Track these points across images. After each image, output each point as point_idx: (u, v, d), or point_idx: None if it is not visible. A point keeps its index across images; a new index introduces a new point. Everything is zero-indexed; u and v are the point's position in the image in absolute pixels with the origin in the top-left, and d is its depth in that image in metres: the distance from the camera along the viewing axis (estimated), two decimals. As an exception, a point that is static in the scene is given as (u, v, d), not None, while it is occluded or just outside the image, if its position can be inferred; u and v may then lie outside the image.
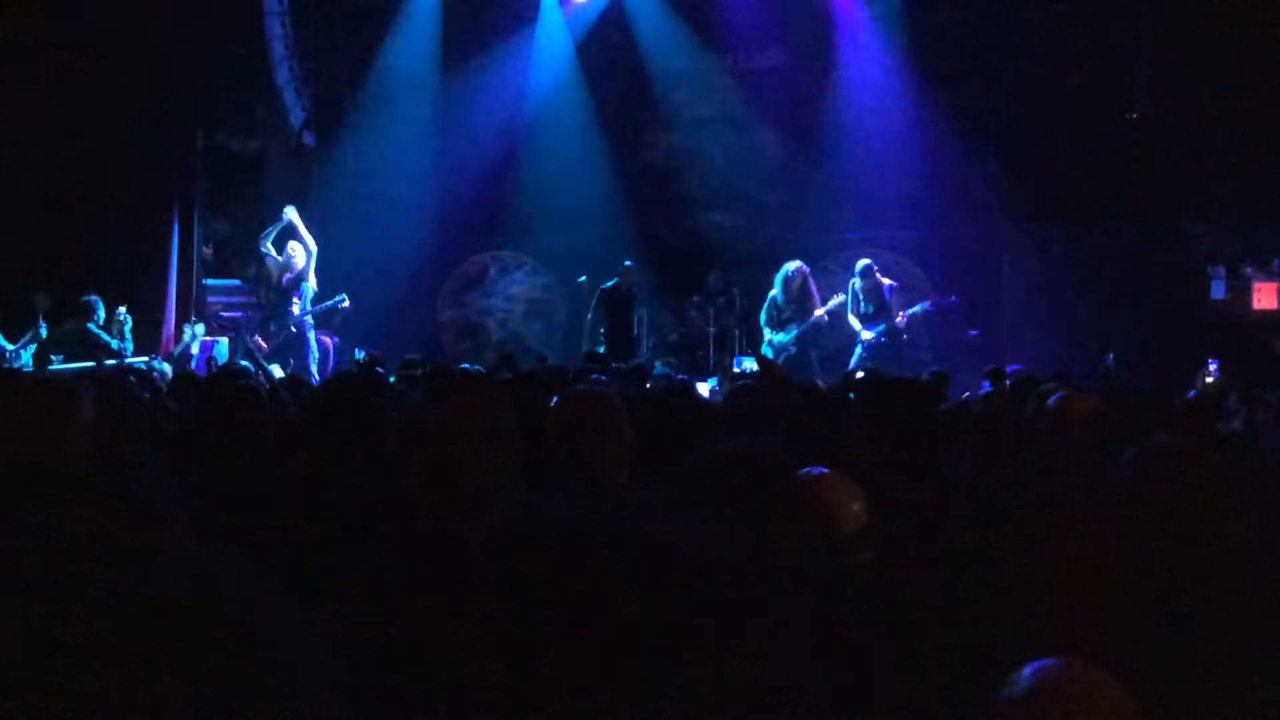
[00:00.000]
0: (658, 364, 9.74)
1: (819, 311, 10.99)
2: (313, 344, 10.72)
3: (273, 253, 10.74)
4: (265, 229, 10.85)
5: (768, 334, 11.15)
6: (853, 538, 2.49)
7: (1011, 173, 12.48)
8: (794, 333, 11.01)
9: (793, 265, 11.17)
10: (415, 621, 2.05)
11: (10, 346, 9.85)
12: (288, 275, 10.73)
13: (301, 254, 10.73)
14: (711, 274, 12.79)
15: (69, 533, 2.61)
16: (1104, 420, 3.09)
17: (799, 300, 11.04)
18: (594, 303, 11.65)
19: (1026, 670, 1.52)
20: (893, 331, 10.89)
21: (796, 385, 5.60)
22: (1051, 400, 3.58)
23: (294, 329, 10.68)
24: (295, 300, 10.71)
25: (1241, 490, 2.41)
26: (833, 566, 2.45)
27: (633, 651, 0.99)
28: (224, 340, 11.00)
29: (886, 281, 11.14)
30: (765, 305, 11.32)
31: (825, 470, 2.63)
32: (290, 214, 10.76)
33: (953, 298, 11.53)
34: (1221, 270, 11.86)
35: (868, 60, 12.97)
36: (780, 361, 10.31)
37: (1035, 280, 12.24)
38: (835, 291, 11.41)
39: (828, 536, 2.47)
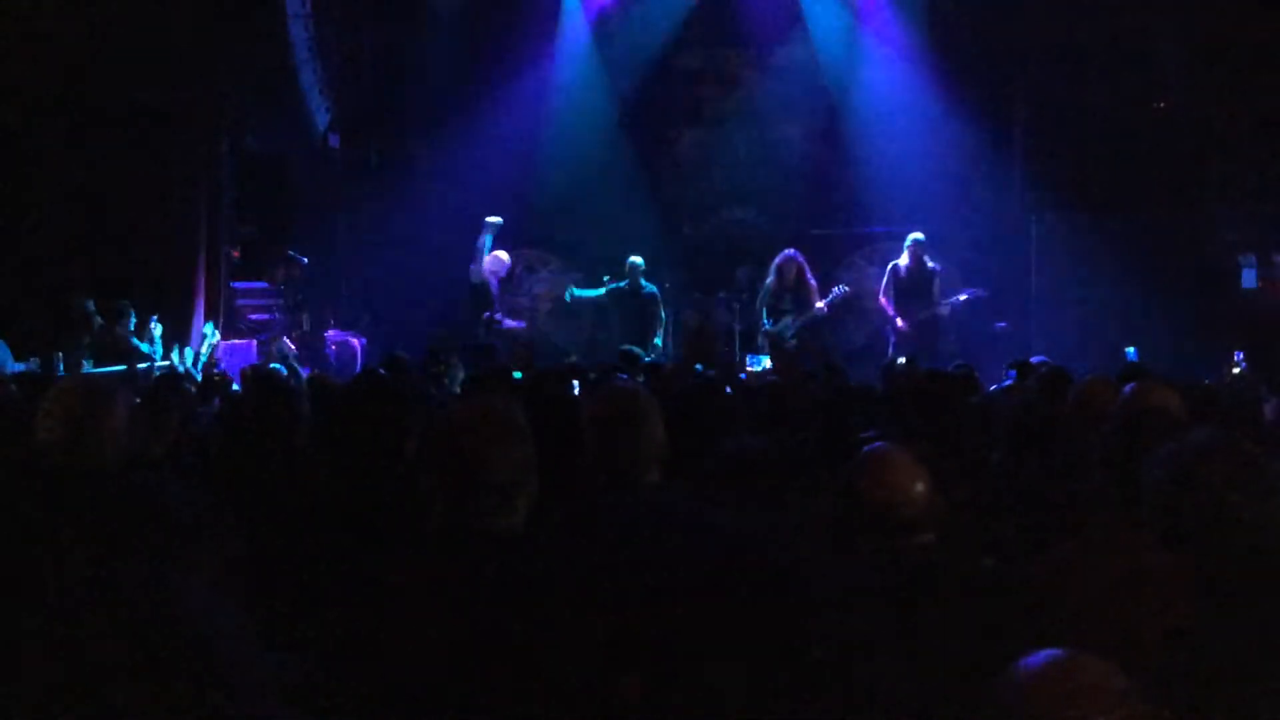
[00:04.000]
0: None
1: (819, 304, 10.83)
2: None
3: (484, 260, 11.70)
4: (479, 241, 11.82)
5: (765, 324, 11.01)
6: (914, 519, 2.45)
7: (1038, 163, 12.37)
8: (792, 326, 10.83)
9: (786, 252, 10.99)
10: (437, 622, 2.04)
11: (18, 366, 9.10)
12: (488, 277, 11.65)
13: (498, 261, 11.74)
14: (741, 268, 12.68)
15: (91, 535, 2.62)
16: (1140, 414, 3.02)
17: (795, 290, 10.85)
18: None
19: (1025, 660, 1.48)
20: (921, 323, 10.72)
21: (829, 383, 5.58)
22: (1128, 390, 3.39)
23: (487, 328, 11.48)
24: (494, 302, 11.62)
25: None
26: (892, 548, 2.42)
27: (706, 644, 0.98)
28: (254, 343, 11.08)
29: (930, 264, 10.96)
30: (760, 294, 11.17)
31: (888, 448, 2.59)
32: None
33: (981, 291, 11.25)
34: (1252, 258, 11.69)
35: (891, 52, 12.89)
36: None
37: (1063, 271, 12.11)
38: (850, 285, 11.28)
39: (888, 517, 2.44)
